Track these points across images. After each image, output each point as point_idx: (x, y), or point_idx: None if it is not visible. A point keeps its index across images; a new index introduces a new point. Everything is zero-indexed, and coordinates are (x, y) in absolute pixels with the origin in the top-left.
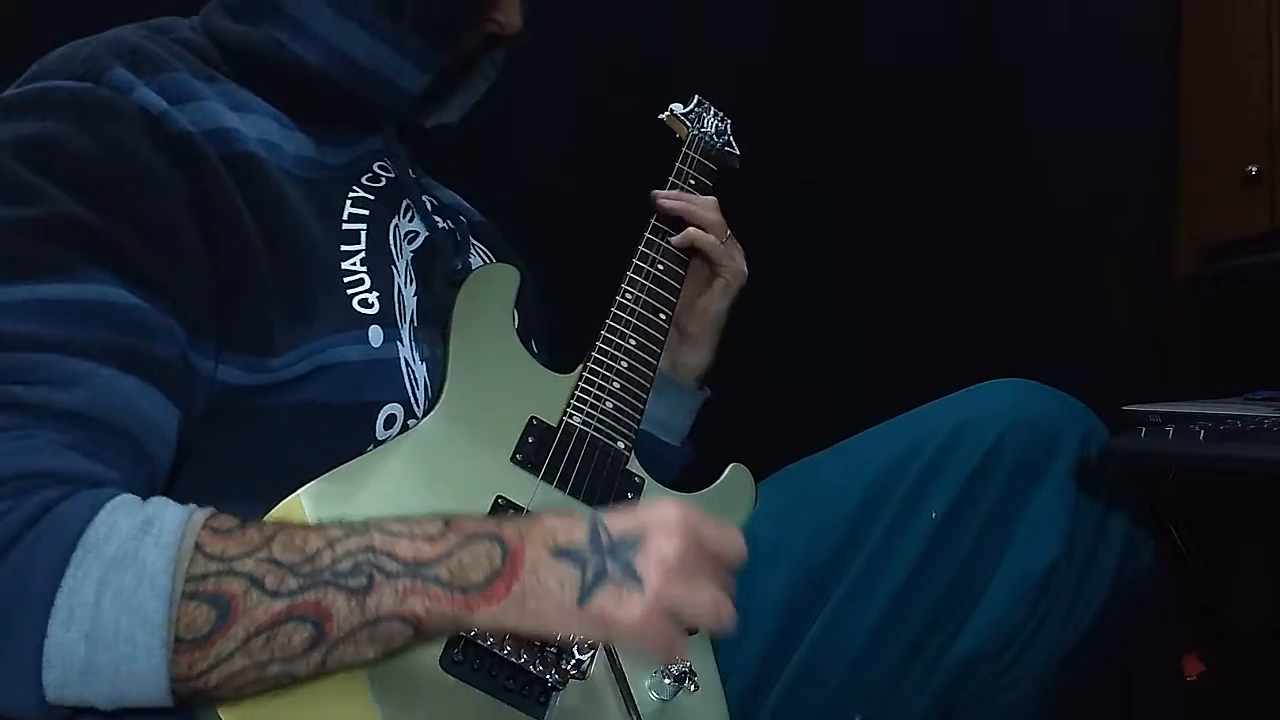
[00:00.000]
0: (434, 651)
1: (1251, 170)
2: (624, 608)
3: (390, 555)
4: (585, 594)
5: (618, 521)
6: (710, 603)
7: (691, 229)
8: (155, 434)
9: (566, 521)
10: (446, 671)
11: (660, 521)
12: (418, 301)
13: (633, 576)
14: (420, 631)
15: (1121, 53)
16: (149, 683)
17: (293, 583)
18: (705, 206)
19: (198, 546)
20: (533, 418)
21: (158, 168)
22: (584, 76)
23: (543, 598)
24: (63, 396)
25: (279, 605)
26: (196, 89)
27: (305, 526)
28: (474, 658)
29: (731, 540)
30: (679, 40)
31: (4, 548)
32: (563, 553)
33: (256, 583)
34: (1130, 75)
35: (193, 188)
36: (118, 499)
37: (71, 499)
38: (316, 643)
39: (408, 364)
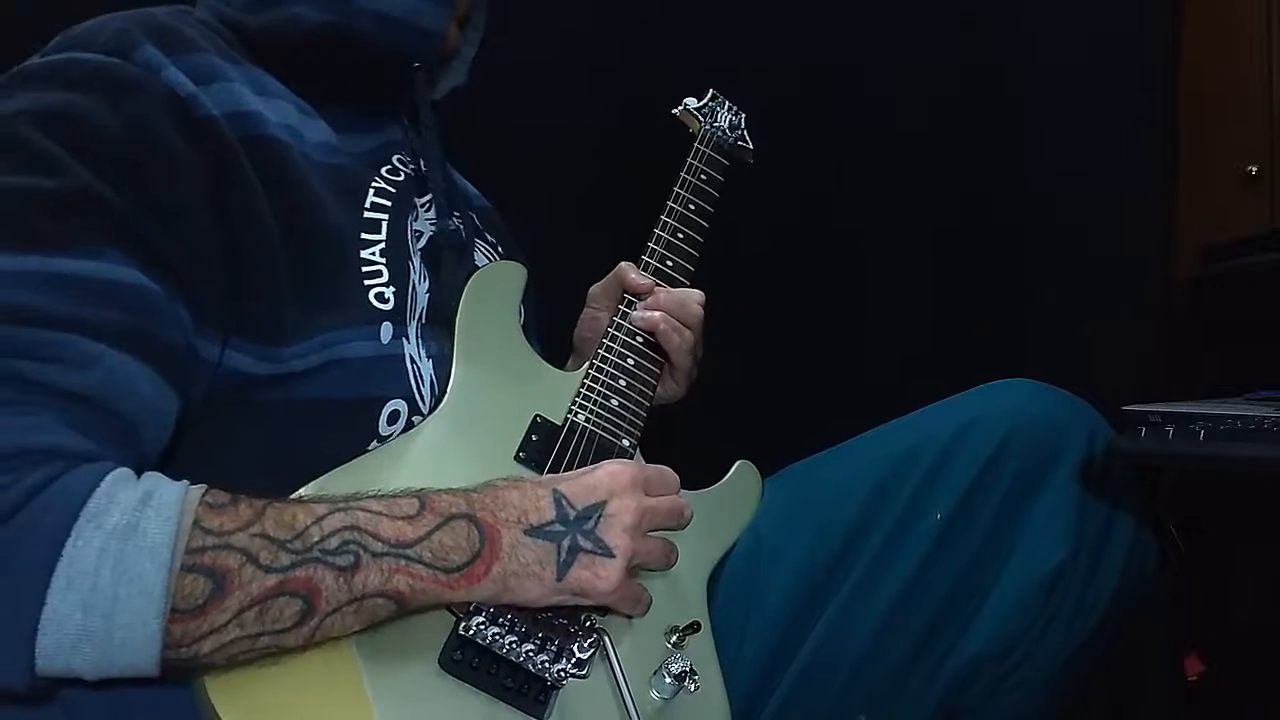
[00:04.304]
0: (433, 650)
1: (1251, 170)
2: (600, 577)
3: (374, 535)
4: (562, 569)
5: (576, 489)
6: (661, 551)
7: (657, 315)
8: (154, 420)
9: (531, 497)
10: (445, 670)
11: (616, 487)
12: (429, 297)
13: (603, 547)
14: (403, 607)
15: (1122, 53)
16: (141, 651)
17: (285, 559)
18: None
19: (196, 521)
20: (537, 415)
21: (181, 151)
22: (595, 70)
23: (524, 576)
24: (71, 378)
25: (272, 580)
26: (223, 70)
27: (293, 501)
28: (473, 656)
29: (673, 495)
30: (691, 35)
31: (6, 518)
32: (536, 531)
33: (251, 558)
34: (1130, 75)
35: (214, 173)
36: (116, 472)
37: (74, 472)
38: (306, 616)
39: (413, 360)
